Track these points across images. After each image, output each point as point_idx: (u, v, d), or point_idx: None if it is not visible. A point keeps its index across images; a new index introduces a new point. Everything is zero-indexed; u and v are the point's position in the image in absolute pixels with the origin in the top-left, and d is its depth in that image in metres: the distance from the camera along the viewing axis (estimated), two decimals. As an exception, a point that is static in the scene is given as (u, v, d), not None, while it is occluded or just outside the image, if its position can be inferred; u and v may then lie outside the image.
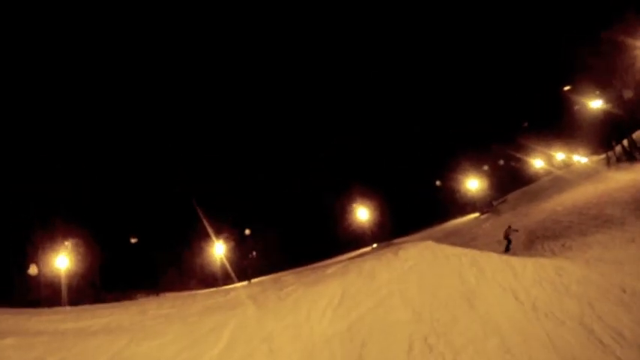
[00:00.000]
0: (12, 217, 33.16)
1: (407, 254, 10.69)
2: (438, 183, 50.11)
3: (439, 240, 14.22)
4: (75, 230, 34.10)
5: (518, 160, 49.12)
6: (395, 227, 42.70)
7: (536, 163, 49.28)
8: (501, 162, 50.38)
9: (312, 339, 7.26)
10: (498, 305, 8.98)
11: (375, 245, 38.21)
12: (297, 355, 6.88)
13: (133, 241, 40.82)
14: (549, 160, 48.82)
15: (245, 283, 26.98)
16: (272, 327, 7.37)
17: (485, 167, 47.88)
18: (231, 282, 33.21)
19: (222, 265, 39.14)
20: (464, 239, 26.48)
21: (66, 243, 33.05)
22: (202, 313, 7.88)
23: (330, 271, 10.42)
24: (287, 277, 10.91)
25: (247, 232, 43.05)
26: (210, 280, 37.86)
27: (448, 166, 47.59)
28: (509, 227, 21.64)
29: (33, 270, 31.24)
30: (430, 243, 11.88)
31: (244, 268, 40.09)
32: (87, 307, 11.42)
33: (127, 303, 11.04)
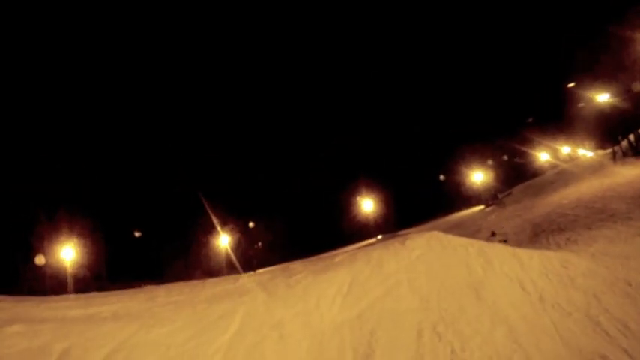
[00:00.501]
0: (18, 208, 33.29)
1: (414, 243, 10.75)
2: (441, 177, 50.08)
3: (444, 232, 14.22)
4: (81, 222, 34.24)
5: (524, 153, 49.02)
6: (399, 219, 42.79)
7: (542, 156, 49.21)
8: (506, 156, 50.32)
9: (321, 326, 7.31)
10: (505, 295, 9.01)
11: (380, 237, 38.18)
12: (308, 342, 6.92)
13: (137, 234, 40.97)
14: (555, 153, 48.72)
15: (251, 273, 27.05)
16: (282, 314, 7.40)
17: (490, 161, 47.79)
18: (237, 273, 33.24)
19: (228, 256, 39.27)
20: (468, 231, 26.42)
21: (71, 235, 33.15)
22: (211, 300, 7.90)
23: (338, 259, 10.48)
24: (295, 265, 10.96)
25: (251, 224, 43.20)
26: (216, 271, 37.92)
27: (453, 159, 47.57)
28: (493, 234, 20.88)
29: (40, 260, 31.36)
30: (437, 233, 11.91)
31: (249, 258, 40.23)
32: (94, 294, 11.43)
33: (135, 290, 11.04)
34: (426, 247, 10.55)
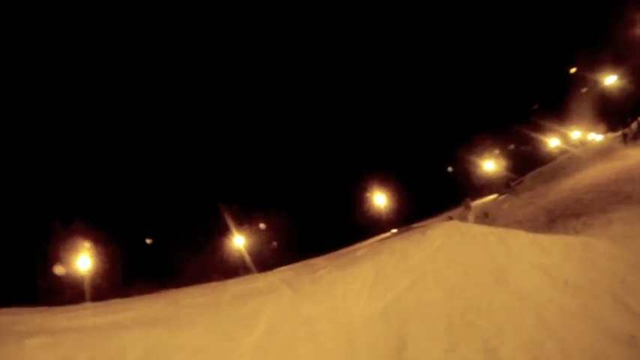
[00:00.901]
0: (32, 219, 33.48)
1: (435, 233, 10.68)
2: (449, 169, 49.94)
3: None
4: (95, 230, 34.42)
5: (534, 140, 48.81)
6: (411, 213, 42.67)
7: (552, 142, 48.93)
8: (515, 144, 50.14)
9: (350, 321, 7.24)
10: (530, 281, 8.95)
11: (394, 230, 37.98)
12: (339, 338, 6.85)
13: (149, 242, 41.05)
14: (565, 139, 48.42)
15: (268, 273, 27.02)
16: (310, 311, 7.33)
17: (500, 149, 47.65)
18: (253, 273, 33.25)
19: (243, 258, 39.34)
20: (483, 221, 26.31)
21: (87, 244, 33.31)
22: (236, 301, 7.82)
23: (360, 253, 10.43)
24: (317, 261, 10.92)
25: (262, 225, 43.27)
26: (232, 273, 37.96)
27: (461, 150, 47.45)
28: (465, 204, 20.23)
29: (59, 270, 31.55)
30: (455, 222, 11.87)
31: (265, 259, 40.26)
32: (114, 301, 11.31)
33: (155, 295, 10.98)
34: (446, 237, 10.47)
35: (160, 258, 38.66)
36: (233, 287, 9.07)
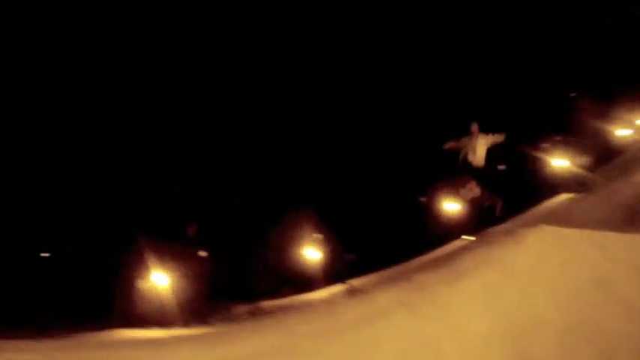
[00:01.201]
0: (114, 231, 34.28)
1: (527, 240, 10.50)
2: (501, 167, 48.30)
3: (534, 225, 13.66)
4: (173, 244, 34.88)
5: (600, 132, 47.00)
6: (480, 217, 41.62)
7: (621, 132, 47.04)
8: (579, 137, 48.40)
9: (472, 341, 7.26)
10: (631, 286, 8.67)
11: (471, 238, 37.04)
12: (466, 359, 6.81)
13: (203, 254, 40.98)
14: (634, 127, 46.44)
15: (343, 285, 27.02)
16: (430, 332, 7.32)
17: (565, 144, 46.06)
18: (326, 285, 33.22)
19: (314, 268, 39.24)
20: (559, 222, 25.54)
21: (166, 257, 33.75)
22: (354, 326, 7.83)
23: (461, 264, 10.31)
24: (416, 275, 10.76)
25: (318, 235, 42.76)
26: (302, 284, 38.03)
27: (522, 147, 46.06)
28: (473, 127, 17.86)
29: (141, 284, 32.19)
30: (547, 227, 11.51)
31: (339, 270, 40.11)
32: (216, 330, 11.34)
33: (265, 322, 11.01)
34: (542, 244, 10.16)
35: (230, 271, 38.96)
36: (344, 311, 9.03)
